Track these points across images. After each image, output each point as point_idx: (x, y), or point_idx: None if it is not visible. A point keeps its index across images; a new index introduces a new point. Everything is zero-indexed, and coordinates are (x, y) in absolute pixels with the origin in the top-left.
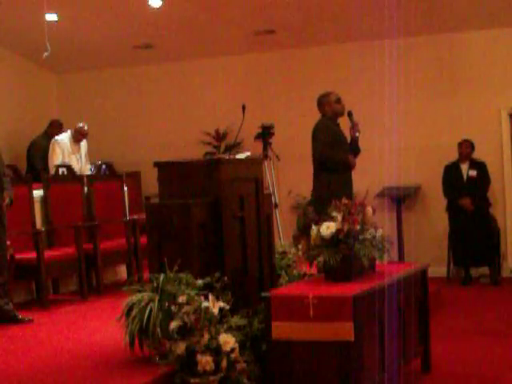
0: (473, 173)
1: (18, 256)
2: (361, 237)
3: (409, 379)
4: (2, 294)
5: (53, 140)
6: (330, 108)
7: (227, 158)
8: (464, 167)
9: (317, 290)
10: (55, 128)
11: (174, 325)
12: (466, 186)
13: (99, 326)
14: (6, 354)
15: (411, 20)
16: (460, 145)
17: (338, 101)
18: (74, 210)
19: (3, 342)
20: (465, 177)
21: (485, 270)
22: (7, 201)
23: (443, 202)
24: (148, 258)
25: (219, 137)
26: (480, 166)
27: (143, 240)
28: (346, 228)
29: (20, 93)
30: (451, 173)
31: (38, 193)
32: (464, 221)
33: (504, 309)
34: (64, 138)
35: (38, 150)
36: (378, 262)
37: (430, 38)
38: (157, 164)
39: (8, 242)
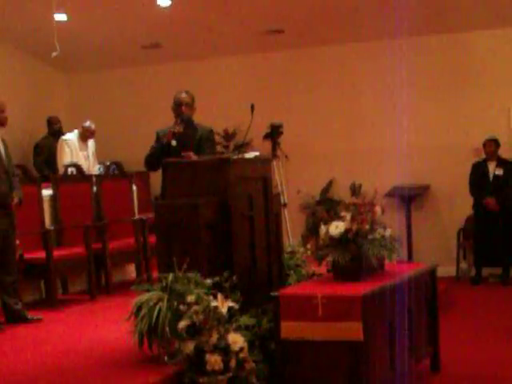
0: (499, 171)
1: (27, 255)
2: (370, 236)
3: (418, 379)
4: (12, 294)
5: (60, 139)
6: None
7: (236, 157)
8: (491, 166)
9: (326, 289)
10: (55, 124)
11: (182, 324)
12: (491, 184)
13: (108, 326)
14: (15, 353)
15: (420, 20)
16: (484, 145)
17: None
18: (82, 210)
19: (13, 341)
20: (491, 176)
21: (495, 269)
22: (16, 200)
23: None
24: (157, 258)
25: (228, 136)
26: (507, 165)
27: (152, 239)
28: (354, 227)
29: (29, 92)
30: (478, 171)
31: (47, 192)
32: (487, 220)
33: None
34: (72, 137)
35: (42, 152)
36: (387, 262)
37: (439, 38)
38: (166, 163)
39: (17, 242)
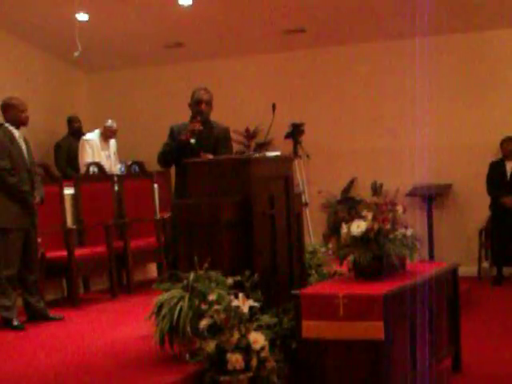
0: None
1: (48, 254)
2: (391, 236)
3: (440, 379)
4: (34, 292)
5: (82, 139)
6: None
7: (257, 156)
8: (509, 165)
9: (347, 288)
10: (75, 123)
11: (204, 323)
12: (509, 183)
13: (129, 325)
14: (37, 352)
15: (442, 18)
16: (502, 143)
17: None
18: (104, 209)
19: (34, 340)
20: (508, 174)
21: None
22: (38, 199)
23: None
24: (178, 257)
25: (249, 135)
26: None
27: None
28: (376, 227)
29: (50, 92)
30: (495, 170)
31: (68, 191)
32: (505, 219)
33: None
34: (93, 136)
35: (63, 151)
36: (408, 261)
37: (460, 36)
38: (187, 163)
39: (39, 241)
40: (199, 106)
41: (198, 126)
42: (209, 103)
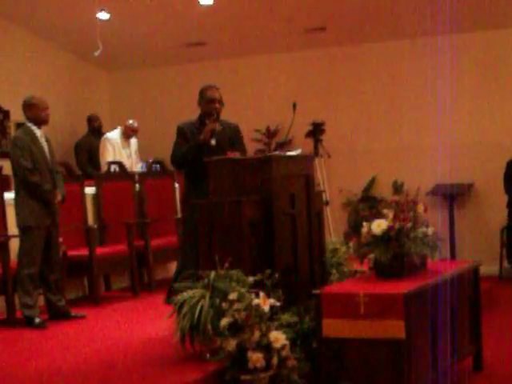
0: None
1: (70, 253)
2: (412, 234)
3: (461, 378)
4: (55, 291)
5: (103, 138)
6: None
7: (278, 155)
8: None
9: (368, 287)
10: (94, 122)
11: (224, 322)
12: None
13: (150, 323)
14: (58, 350)
15: (464, 16)
16: None
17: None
18: (125, 208)
19: (57, 338)
20: None
21: None
22: (59, 198)
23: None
24: (199, 256)
25: (270, 134)
26: None
27: None
28: (397, 225)
29: (71, 91)
30: None
31: (89, 190)
32: None
33: None
34: (114, 135)
35: (83, 150)
36: (429, 260)
37: (482, 34)
38: (208, 161)
39: (60, 239)
40: (213, 105)
41: (217, 126)
42: (221, 101)
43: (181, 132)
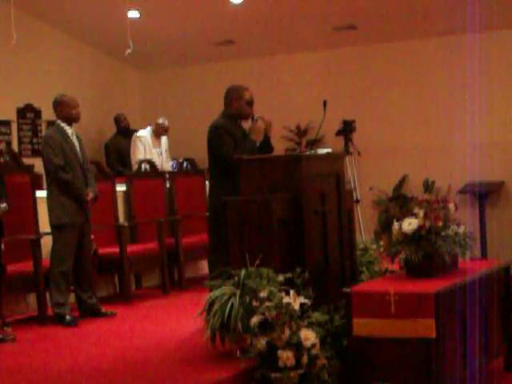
0: None
1: (101, 251)
2: (443, 233)
3: (491, 378)
4: (86, 288)
5: (134, 136)
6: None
7: (308, 153)
8: None
9: (398, 286)
10: (121, 121)
11: (255, 320)
12: None
13: (181, 321)
14: (88, 347)
15: (494, 14)
16: None
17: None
18: (156, 205)
19: (87, 335)
20: None
21: None
22: (92, 196)
23: None
24: (229, 254)
25: (300, 132)
26: None
27: None
28: (427, 224)
29: (103, 89)
30: None
31: (120, 188)
32: None
33: None
34: (145, 133)
35: (113, 150)
36: (460, 259)
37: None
38: (239, 160)
39: (92, 237)
40: (251, 107)
41: (268, 126)
42: None
43: (227, 131)
